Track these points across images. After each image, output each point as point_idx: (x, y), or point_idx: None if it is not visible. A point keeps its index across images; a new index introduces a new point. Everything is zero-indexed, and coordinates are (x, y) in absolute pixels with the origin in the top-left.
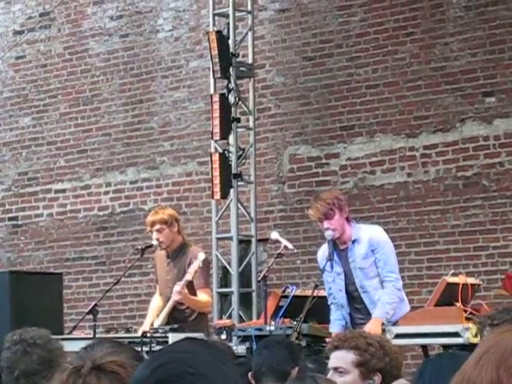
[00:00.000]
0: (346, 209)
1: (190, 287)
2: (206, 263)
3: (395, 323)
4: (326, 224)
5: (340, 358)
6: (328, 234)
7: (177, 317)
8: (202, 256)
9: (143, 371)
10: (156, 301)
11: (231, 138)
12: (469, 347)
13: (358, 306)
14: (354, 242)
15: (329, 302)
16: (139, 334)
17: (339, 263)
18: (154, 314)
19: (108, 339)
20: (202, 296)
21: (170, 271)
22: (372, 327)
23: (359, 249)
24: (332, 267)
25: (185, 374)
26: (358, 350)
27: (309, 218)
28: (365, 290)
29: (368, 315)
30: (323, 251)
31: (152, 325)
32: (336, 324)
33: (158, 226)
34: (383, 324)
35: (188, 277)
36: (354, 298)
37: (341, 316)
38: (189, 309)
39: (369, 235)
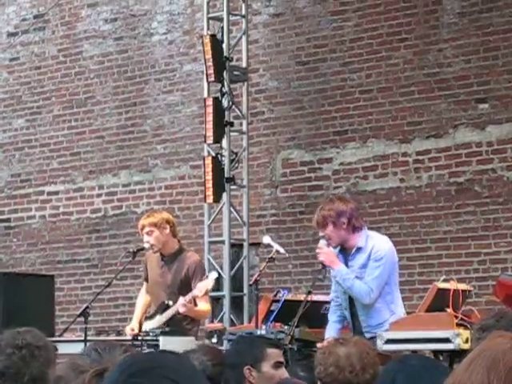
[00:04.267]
0: (342, 220)
1: (188, 290)
2: (204, 271)
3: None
4: (320, 232)
5: None
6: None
7: (173, 320)
8: (214, 275)
9: (113, 373)
10: (142, 298)
11: (224, 142)
12: (459, 353)
13: (355, 313)
14: (358, 249)
15: (329, 298)
16: (126, 331)
17: None
18: (142, 311)
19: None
20: (202, 304)
21: (164, 275)
22: (329, 257)
23: (360, 258)
24: None
25: (154, 368)
26: None
27: (301, 222)
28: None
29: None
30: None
31: (140, 322)
32: (332, 327)
33: (147, 229)
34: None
35: (196, 293)
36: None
37: (337, 318)
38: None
39: (372, 245)
